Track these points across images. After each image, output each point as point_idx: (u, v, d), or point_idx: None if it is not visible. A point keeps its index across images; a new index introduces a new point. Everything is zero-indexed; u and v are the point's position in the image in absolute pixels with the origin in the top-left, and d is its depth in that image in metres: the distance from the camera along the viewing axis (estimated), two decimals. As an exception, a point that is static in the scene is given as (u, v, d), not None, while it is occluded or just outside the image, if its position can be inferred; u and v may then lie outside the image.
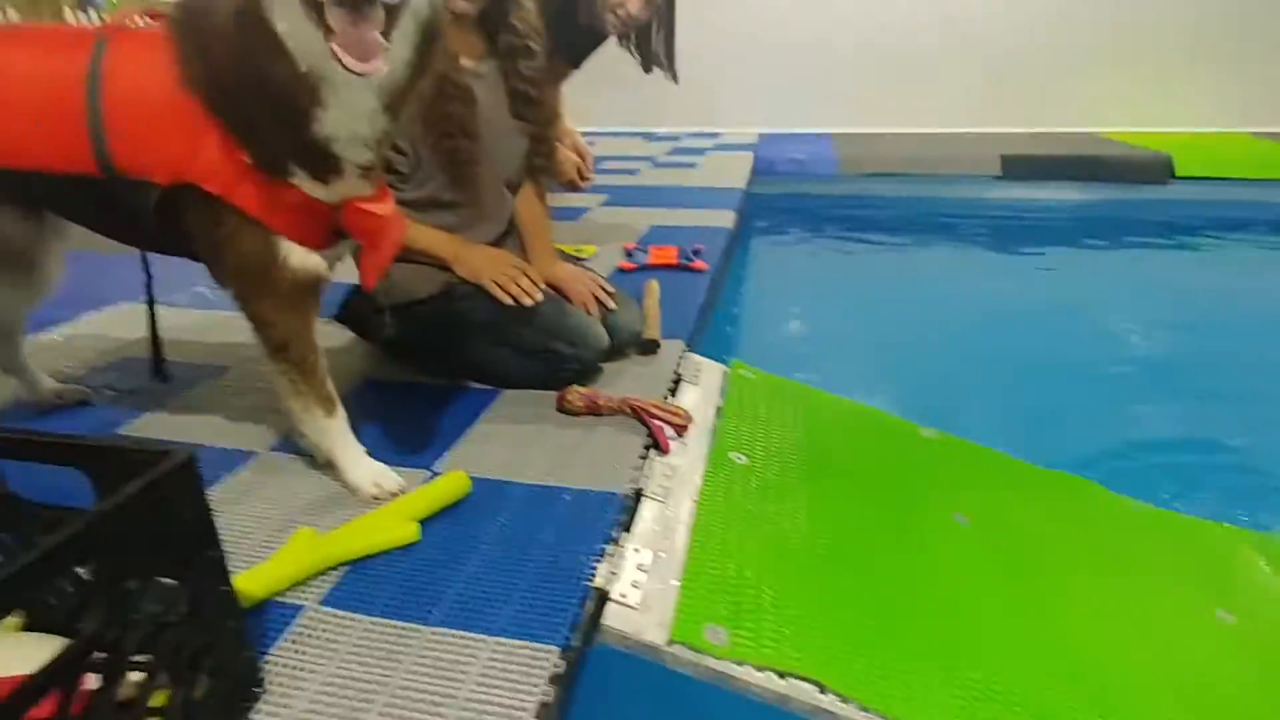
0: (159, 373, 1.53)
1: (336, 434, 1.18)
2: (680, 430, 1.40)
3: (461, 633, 0.91)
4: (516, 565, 1.02)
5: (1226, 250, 3.70)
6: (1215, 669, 1.16)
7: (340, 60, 0.85)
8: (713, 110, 5.80)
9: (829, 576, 1.15)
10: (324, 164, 1.00)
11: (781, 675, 0.97)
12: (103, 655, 0.62)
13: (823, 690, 0.95)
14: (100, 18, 4.65)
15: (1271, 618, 1.32)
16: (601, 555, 1.05)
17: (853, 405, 1.77)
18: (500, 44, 1.46)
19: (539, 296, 1.44)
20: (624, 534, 1.13)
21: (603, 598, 1.01)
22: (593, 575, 1.01)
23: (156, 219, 1.04)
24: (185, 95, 0.97)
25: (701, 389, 1.63)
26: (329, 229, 1.08)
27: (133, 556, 0.63)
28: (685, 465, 1.36)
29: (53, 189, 1.11)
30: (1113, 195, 4.14)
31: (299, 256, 1.05)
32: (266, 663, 0.85)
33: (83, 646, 0.58)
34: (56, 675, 0.56)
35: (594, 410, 1.42)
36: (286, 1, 0.87)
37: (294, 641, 0.89)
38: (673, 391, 1.59)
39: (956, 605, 1.17)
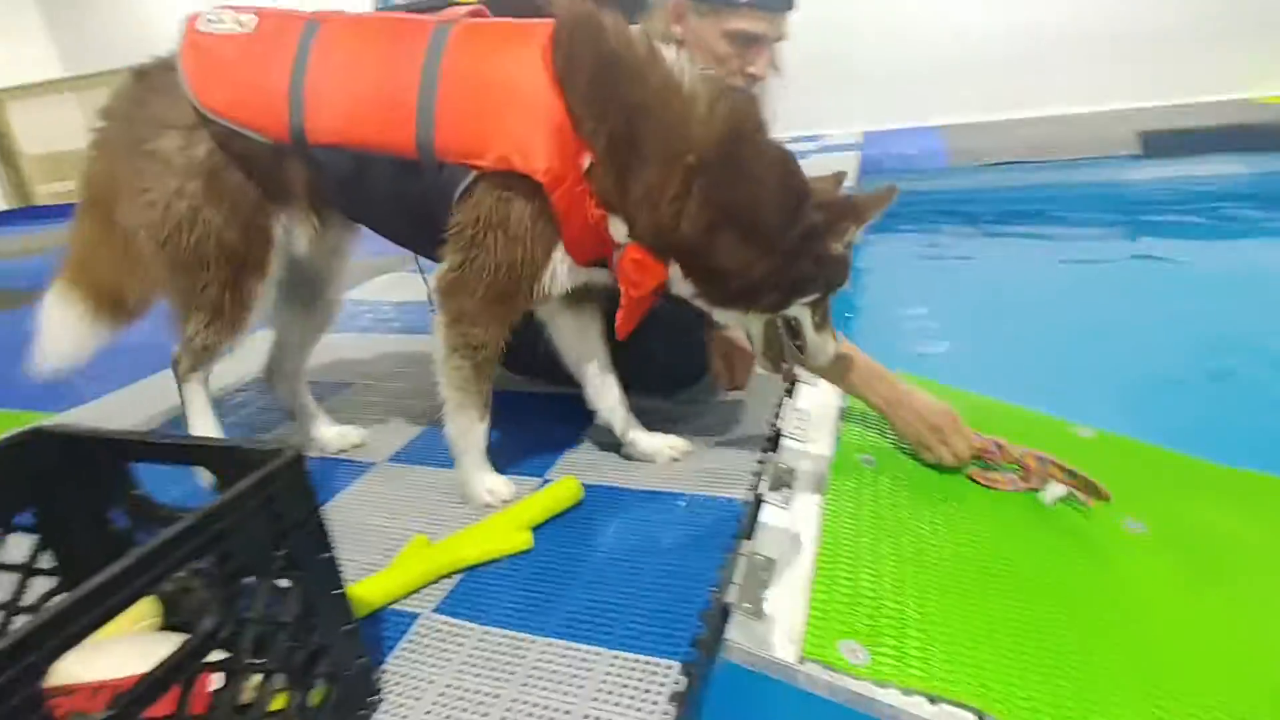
0: None
1: (475, 438, 1.16)
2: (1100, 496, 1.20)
3: (577, 645, 0.86)
4: (632, 575, 0.97)
5: None
6: None
7: None
8: (812, 112, 5.63)
9: (979, 593, 1.02)
10: None
11: (933, 700, 0.85)
12: (224, 655, 0.61)
13: (981, 718, 0.84)
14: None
15: None
16: (722, 564, 0.97)
17: (991, 402, 1.60)
18: None
19: (967, 458, 1.27)
20: (745, 542, 1.05)
21: (725, 610, 0.93)
22: (714, 586, 0.94)
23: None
24: (554, 96, 0.97)
25: (821, 389, 1.53)
26: (596, 253, 1.07)
27: (247, 554, 0.62)
28: (807, 469, 1.27)
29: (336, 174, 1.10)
30: (1273, 166, 3.68)
31: (566, 269, 1.06)
32: (384, 671, 0.83)
33: (198, 642, 0.57)
34: (175, 670, 0.55)
35: (988, 454, 1.26)
36: None
37: (410, 650, 0.87)
38: (789, 393, 1.50)
39: (1139, 622, 1.00)
